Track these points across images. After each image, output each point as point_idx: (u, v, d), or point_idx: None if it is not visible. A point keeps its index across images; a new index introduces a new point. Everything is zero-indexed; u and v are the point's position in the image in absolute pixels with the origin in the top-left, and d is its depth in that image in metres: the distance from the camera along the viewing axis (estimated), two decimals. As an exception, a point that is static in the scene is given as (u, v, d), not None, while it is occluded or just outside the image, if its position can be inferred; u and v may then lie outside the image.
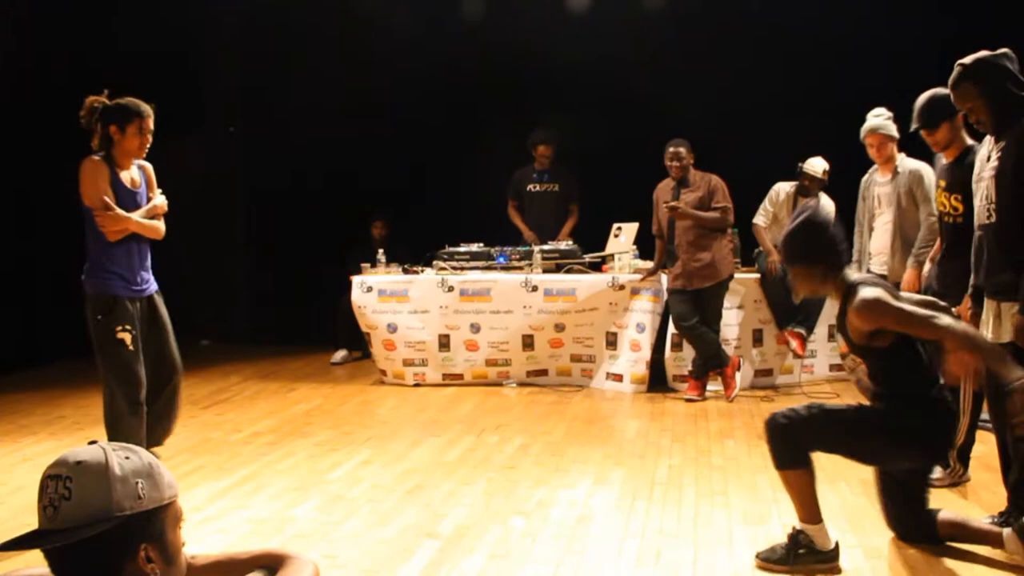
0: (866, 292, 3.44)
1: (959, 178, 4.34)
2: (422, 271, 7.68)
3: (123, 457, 1.75)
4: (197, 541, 3.90)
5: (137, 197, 4.80)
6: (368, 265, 7.82)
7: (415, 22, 8.88)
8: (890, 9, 7.94)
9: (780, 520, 4.11)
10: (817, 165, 6.89)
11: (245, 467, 5.10)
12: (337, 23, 8.99)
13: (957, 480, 4.67)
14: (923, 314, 3.36)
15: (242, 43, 9.66)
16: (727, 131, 7.98)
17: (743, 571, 3.57)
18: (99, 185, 4.62)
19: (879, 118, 5.53)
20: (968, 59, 3.69)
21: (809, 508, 3.62)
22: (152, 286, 4.92)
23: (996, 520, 3.82)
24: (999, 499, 3.92)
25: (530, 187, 8.50)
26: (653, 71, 8.53)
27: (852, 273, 3.67)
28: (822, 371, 7.49)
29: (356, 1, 8.85)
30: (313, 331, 9.13)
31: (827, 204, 6.82)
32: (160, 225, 4.89)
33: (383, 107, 9.19)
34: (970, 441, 4.64)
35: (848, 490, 4.51)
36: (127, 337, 4.66)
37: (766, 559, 3.61)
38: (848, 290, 3.55)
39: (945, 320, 3.31)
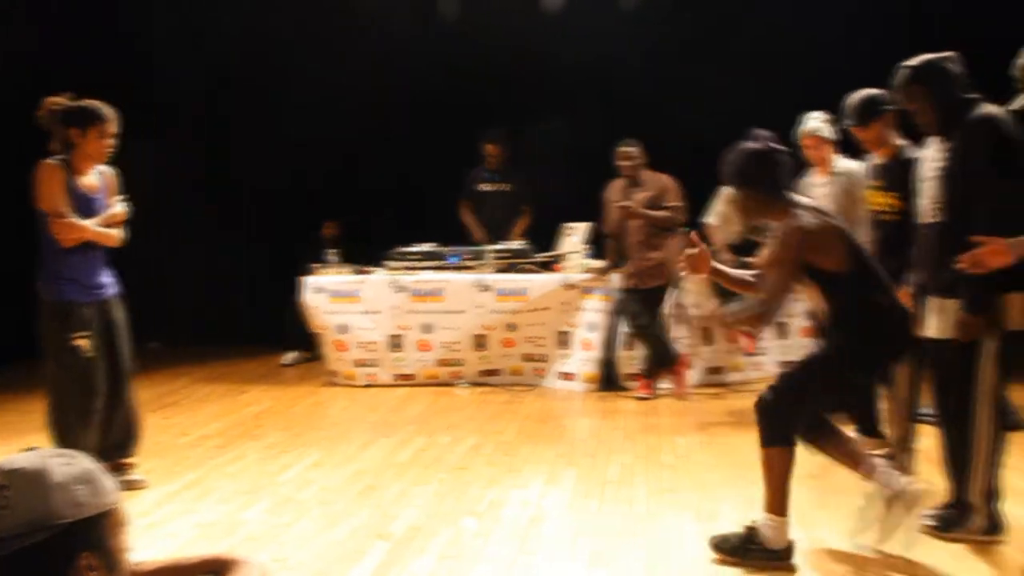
0: (793, 220, 3.49)
1: (896, 177, 4.48)
2: (373, 271, 7.64)
3: (62, 463, 1.71)
4: (143, 547, 3.84)
5: (95, 203, 4.60)
6: (319, 265, 7.76)
7: (376, 21, 8.83)
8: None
9: (731, 516, 4.14)
10: None
11: (193, 471, 5.03)
12: (296, 24, 8.91)
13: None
14: (781, 279, 3.49)
15: (198, 43, 9.54)
16: (684, 130, 8.04)
17: (695, 568, 3.59)
18: (54, 190, 4.42)
19: (816, 120, 5.55)
20: (915, 61, 3.75)
21: (780, 497, 3.61)
22: (111, 289, 4.74)
23: (938, 511, 3.89)
24: (943, 490, 3.98)
25: (481, 187, 8.49)
26: (605, 72, 8.57)
27: (797, 199, 3.65)
28: (772, 367, 7.55)
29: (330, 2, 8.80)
30: (264, 332, 9.03)
31: None
32: (117, 233, 4.72)
33: (335, 106, 9.11)
34: (910, 431, 4.73)
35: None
36: (84, 344, 4.51)
37: (718, 546, 3.64)
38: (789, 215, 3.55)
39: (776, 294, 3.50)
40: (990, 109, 3.59)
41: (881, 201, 4.63)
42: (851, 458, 3.72)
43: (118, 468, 4.63)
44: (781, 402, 3.60)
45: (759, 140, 3.66)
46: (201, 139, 9.65)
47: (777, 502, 3.60)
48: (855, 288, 3.55)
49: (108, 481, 1.77)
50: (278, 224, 9.30)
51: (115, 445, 4.72)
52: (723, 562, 3.59)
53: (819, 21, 8.13)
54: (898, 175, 4.47)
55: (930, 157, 3.83)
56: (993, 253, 3.29)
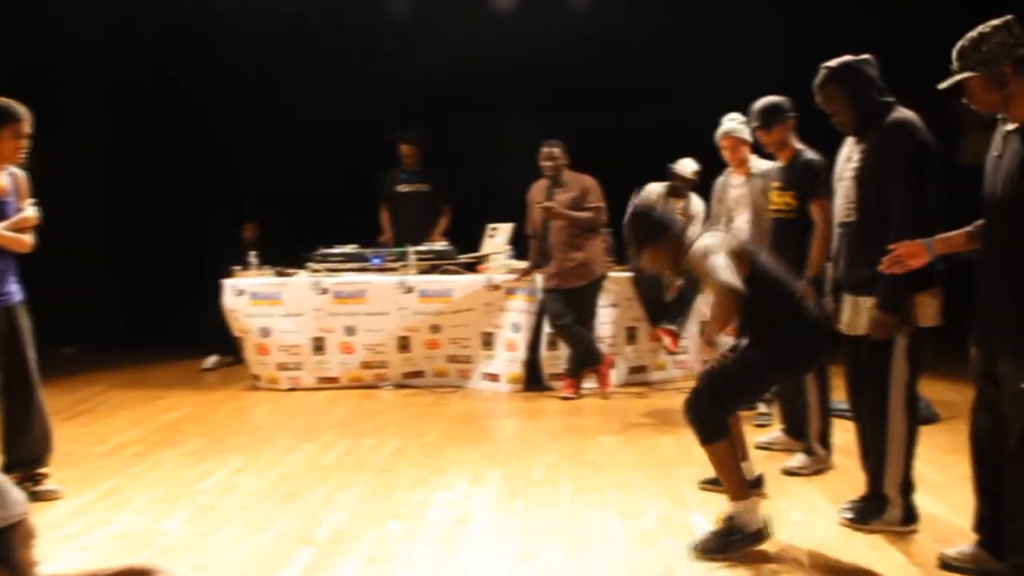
0: (699, 241, 3.75)
1: (793, 178, 4.82)
2: (295, 273, 7.55)
3: None
4: (56, 561, 3.74)
5: (5, 207, 4.45)
6: (240, 268, 7.64)
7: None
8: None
9: (655, 514, 4.19)
10: (687, 166, 7.03)
11: (109, 480, 4.89)
12: (215, 19, 8.77)
13: (822, 467, 4.86)
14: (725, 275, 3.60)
15: (104, 39, 9.34)
16: (609, 131, 8.12)
17: (618, 566, 3.62)
18: None
19: (733, 122, 5.66)
20: (833, 62, 3.83)
21: (737, 483, 3.74)
22: (15, 296, 4.56)
23: (855, 504, 3.98)
24: (859, 483, 4.07)
25: (399, 188, 8.47)
26: (529, 73, 8.60)
27: (696, 233, 3.92)
28: (695, 366, 7.65)
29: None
30: (183, 336, 8.86)
31: (697, 204, 7.02)
32: (27, 238, 4.52)
33: (254, 106, 8.99)
34: (826, 425, 4.86)
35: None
36: None
37: (702, 552, 3.67)
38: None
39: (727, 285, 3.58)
40: (905, 112, 3.68)
41: (779, 200, 4.90)
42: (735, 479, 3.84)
43: (31, 479, 4.52)
44: (709, 400, 3.72)
45: (641, 204, 3.98)
46: (115, 139, 9.44)
47: (737, 488, 3.73)
48: (763, 300, 3.70)
49: (15, 493, 1.72)
50: (196, 225, 9.13)
51: (27, 455, 4.58)
52: (712, 561, 3.63)
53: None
54: (796, 176, 4.82)
55: (846, 157, 3.92)
56: (911, 254, 3.38)
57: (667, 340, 7.03)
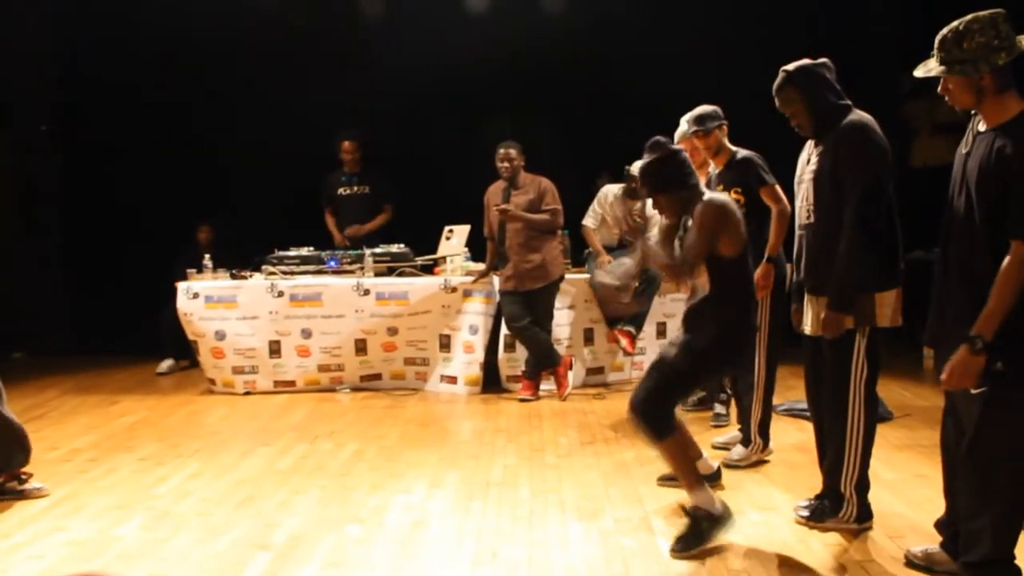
0: (713, 201, 3.77)
1: (734, 176, 4.94)
2: (250, 276, 7.50)
3: None
4: (7, 570, 3.69)
5: None
6: (194, 271, 7.56)
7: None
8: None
9: (613, 514, 4.21)
10: None
11: (63, 487, 4.81)
12: (154, 22, 8.67)
13: (760, 458, 4.93)
14: (700, 247, 3.71)
15: (55, 38, 9.20)
16: (562, 134, 8.14)
17: (577, 566, 3.63)
18: None
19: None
20: (791, 66, 3.86)
21: (691, 474, 3.84)
22: None
23: (812, 503, 4.04)
24: (816, 481, 4.13)
25: (340, 191, 8.46)
26: (482, 74, 8.61)
27: (705, 189, 3.95)
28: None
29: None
30: (137, 340, 8.75)
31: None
32: None
33: (208, 107, 8.91)
34: (767, 416, 4.93)
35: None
36: None
37: (682, 550, 3.73)
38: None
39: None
40: (862, 115, 3.72)
41: None
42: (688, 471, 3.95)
43: (15, 479, 4.59)
44: (653, 398, 3.80)
45: (660, 148, 3.87)
46: (66, 141, 9.31)
47: (692, 479, 3.83)
48: (739, 273, 3.82)
49: None
50: (150, 228, 9.02)
51: (5, 458, 4.60)
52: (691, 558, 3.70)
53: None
54: (737, 173, 4.93)
55: (805, 160, 3.96)
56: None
57: (624, 341, 7.07)
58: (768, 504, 4.33)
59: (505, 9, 8.83)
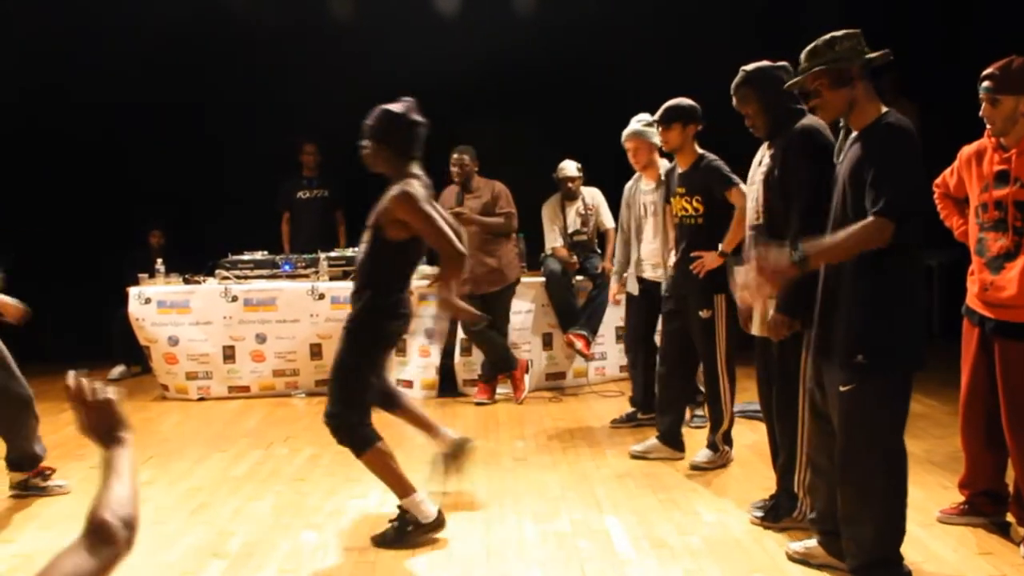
0: (409, 186, 3.84)
1: (697, 182, 4.96)
2: (204, 281, 7.42)
3: None
4: (-43, 579, 3.62)
5: None
6: (146, 276, 7.47)
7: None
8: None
9: (570, 517, 4.23)
10: (569, 167, 7.16)
11: (9, 498, 4.75)
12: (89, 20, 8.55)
13: (725, 462, 4.99)
14: (441, 224, 3.83)
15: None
16: (518, 138, 8.15)
17: (534, 569, 3.64)
18: None
19: (639, 124, 5.69)
20: (750, 66, 3.92)
21: (400, 483, 3.96)
22: None
23: (766, 503, 4.08)
24: (770, 481, 4.17)
25: (299, 195, 8.42)
26: (446, 81, 8.60)
27: (415, 171, 4.01)
28: (613, 371, 7.71)
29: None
30: (86, 346, 8.61)
31: (593, 194, 7.16)
32: None
33: (160, 112, 8.80)
34: (731, 422, 4.99)
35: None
36: None
37: (380, 544, 3.91)
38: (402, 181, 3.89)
39: (449, 233, 3.80)
40: (814, 120, 3.74)
41: (686, 206, 5.02)
42: (419, 421, 4.40)
43: (40, 475, 4.73)
44: (344, 412, 3.93)
45: (402, 104, 4.00)
46: (11, 142, 9.13)
47: (401, 487, 3.96)
48: (403, 259, 3.98)
49: None
50: (99, 232, 8.89)
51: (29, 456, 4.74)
52: (382, 548, 3.89)
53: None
54: (702, 179, 4.95)
55: (757, 161, 4.00)
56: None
57: (579, 344, 7.08)
58: (722, 506, 4.36)
59: (476, 12, 8.81)
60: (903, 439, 3.19)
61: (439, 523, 3.96)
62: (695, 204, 4.95)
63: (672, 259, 5.25)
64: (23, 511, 4.51)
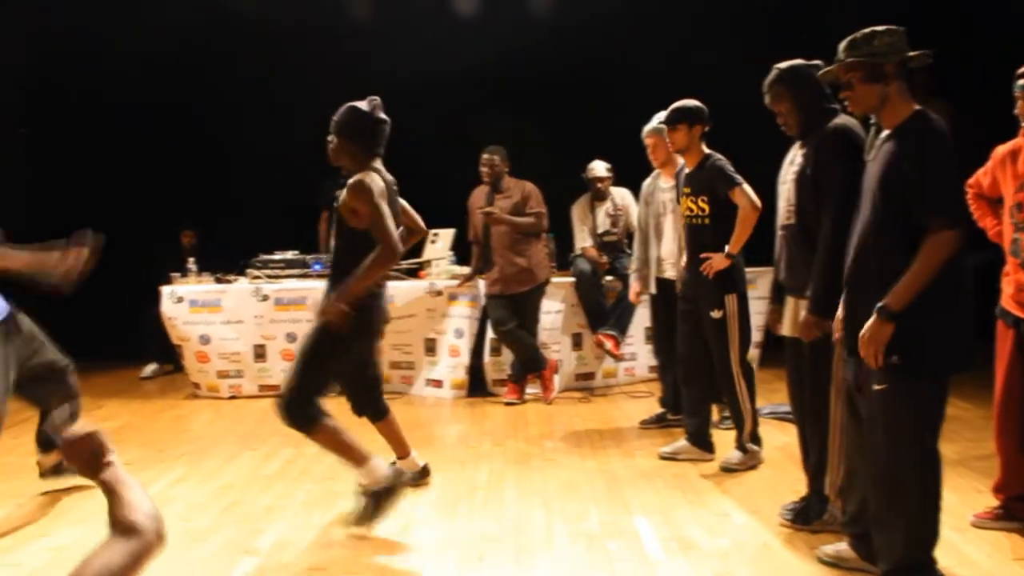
0: (367, 176, 3.99)
1: (703, 182, 4.94)
2: (235, 280, 7.48)
3: None
4: (-7, 574, 3.68)
5: None
6: (178, 275, 7.54)
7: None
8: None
9: (599, 518, 4.22)
10: (599, 167, 7.15)
11: (45, 491, 4.80)
12: (133, 21, 8.63)
13: (755, 462, 4.96)
14: (388, 219, 3.92)
15: (28, 39, 9.14)
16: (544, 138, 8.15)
17: (563, 570, 3.64)
18: None
19: (659, 120, 5.66)
20: (784, 64, 3.88)
21: (352, 452, 4.03)
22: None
23: (796, 505, 4.05)
24: (801, 483, 4.14)
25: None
26: (467, 77, 8.61)
27: (377, 167, 4.15)
28: (643, 372, 7.70)
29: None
30: (120, 344, 8.70)
31: (623, 194, 7.13)
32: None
33: (193, 113, 8.87)
34: (754, 421, 4.96)
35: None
36: None
37: (358, 523, 4.00)
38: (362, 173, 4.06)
39: (391, 229, 3.90)
40: (847, 119, 3.71)
41: (692, 206, 5.01)
42: (396, 440, 4.51)
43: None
44: (294, 396, 4.00)
45: (368, 103, 4.12)
46: (44, 143, 9.24)
47: (355, 457, 4.04)
48: (370, 249, 3.95)
49: None
50: (135, 232, 8.97)
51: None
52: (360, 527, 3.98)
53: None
54: (707, 179, 4.94)
55: (789, 161, 3.97)
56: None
57: (608, 344, 7.06)
58: (752, 507, 4.34)
59: (492, 11, 8.83)
60: (937, 441, 3.15)
61: (398, 475, 4.07)
62: (701, 204, 4.94)
63: (683, 259, 5.25)
64: (56, 506, 4.56)
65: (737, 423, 5.05)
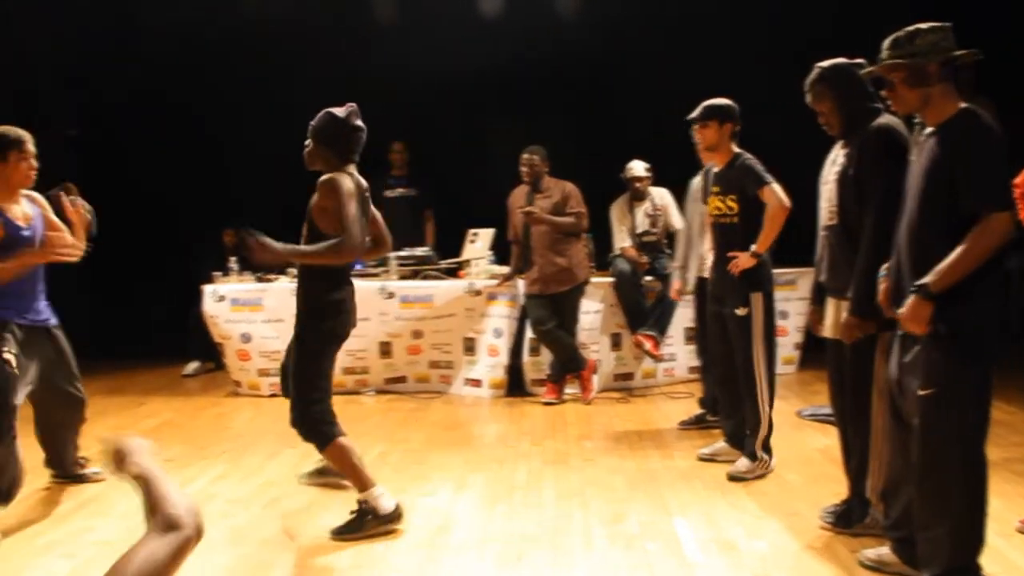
0: (339, 176, 3.96)
1: (732, 181, 4.87)
2: (276, 279, 7.54)
3: None
4: (41, 567, 3.73)
5: (30, 233, 4.51)
6: (220, 274, 7.61)
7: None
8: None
9: (637, 518, 4.20)
10: (637, 167, 7.12)
11: (91, 487, 4.88)
12: (181, 25, 8.73)
13: (764, 472, 4.87)
14: (354, 216, 3.89)
15: (79, 40, 9.27)
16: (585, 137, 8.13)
17: (601, 570, 3.63)
18: None
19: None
20: (826, 63, 3.83)
21: (359, 477, 4.09)
22: (52, 318, 4.77)
23: (838, 508, 4.01)
24: (842, 486, 4.10)
25: (387, 193, 8.44)
26: (512, 77, 8.62)
27: (350, 172, 4.09)
28: (682, 372, 7.67)
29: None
30: (163, 343, 8.82)
31: (663, 194, 7.11)
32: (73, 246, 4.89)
33: (233, 112, 8.96)
34: (770, 428, 4.87)
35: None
36: (12, 359, 4.30)
37: (338, 533, 4.03)
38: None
39: (355, 226, 3.88)
40: (890, 118, 3.66)
41: (720, 205, 4.94)
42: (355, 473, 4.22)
43: (76, 463, 4.95)
44: (306, 411, 4.05)
45: (346, 109, 4.11)
46: (91, 143, 9.38)
47: (361, 480, 4.10)
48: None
49: None
50: (177, 231, 9.09)
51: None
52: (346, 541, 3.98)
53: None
54: (737, 178, 4.86)
55: (831, 160, 3.93)
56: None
57: (648, 345, 7.04)
58: (792, 509, 4.31)
59: (522, 10, 8.82)
60: (984, 446, 3.10)
61: (397, 515, 4.10)
62: (729, 203, 4.87)
63: (711, 259, 5.20)
64: (103, 501, 4.62)
65: (752, 427, 4.92)
